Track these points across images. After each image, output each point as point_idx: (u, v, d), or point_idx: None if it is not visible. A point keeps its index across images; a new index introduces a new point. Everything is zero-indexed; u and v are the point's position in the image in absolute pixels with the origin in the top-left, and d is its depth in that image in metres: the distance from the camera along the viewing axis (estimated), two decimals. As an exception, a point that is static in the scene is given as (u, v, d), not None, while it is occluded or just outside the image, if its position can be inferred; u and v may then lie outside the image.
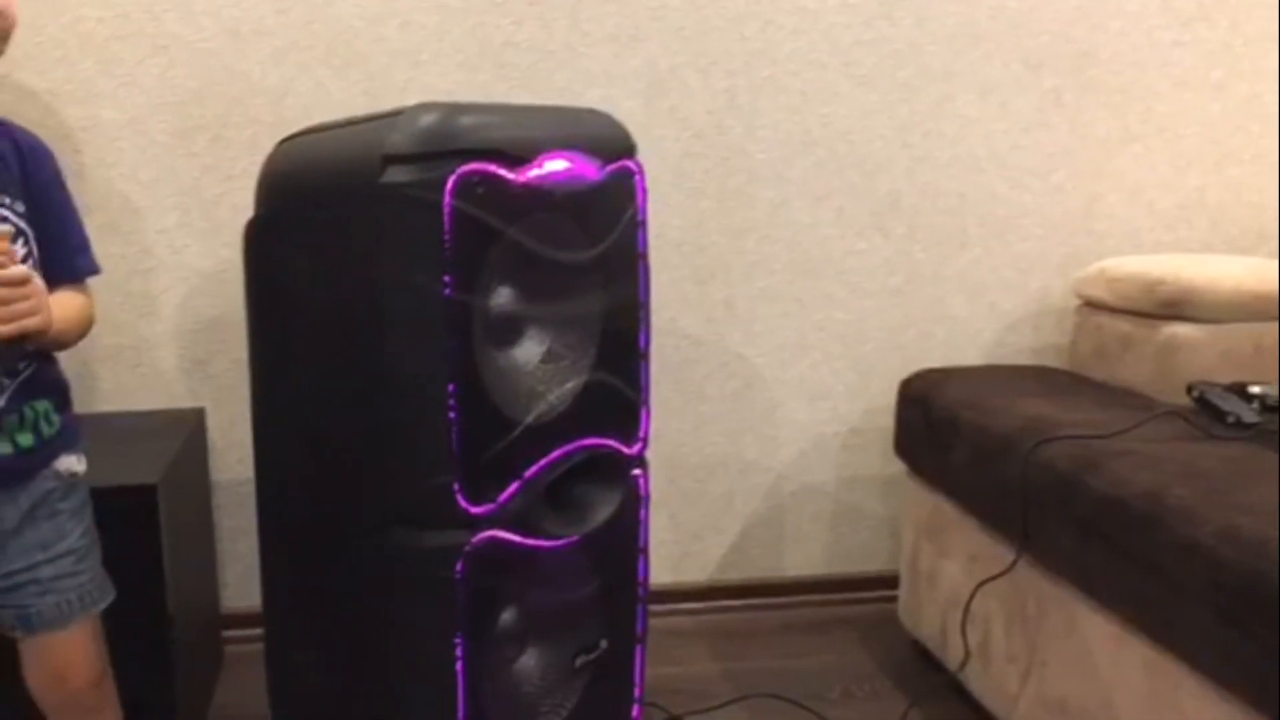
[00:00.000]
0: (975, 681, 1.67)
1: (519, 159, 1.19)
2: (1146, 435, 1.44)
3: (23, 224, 1.16)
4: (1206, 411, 1.50)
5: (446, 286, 1.15)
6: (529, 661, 1.35)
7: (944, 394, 1.79)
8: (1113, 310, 1.87)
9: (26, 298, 1.08)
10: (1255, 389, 1.50)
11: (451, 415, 1.17)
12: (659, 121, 1.99)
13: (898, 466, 1.95)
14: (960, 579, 1.71)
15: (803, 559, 2.21)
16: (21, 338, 1.09)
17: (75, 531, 1.23)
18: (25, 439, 1.18)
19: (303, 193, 1.30)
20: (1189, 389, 1.55)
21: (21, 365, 1.17)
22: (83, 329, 1.25)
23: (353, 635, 1.32)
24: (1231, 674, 1.13)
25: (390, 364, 1.19)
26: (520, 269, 1.22)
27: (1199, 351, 1.70)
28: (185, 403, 1.93)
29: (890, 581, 2.03)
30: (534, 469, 1.26)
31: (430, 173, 1.14)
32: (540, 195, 1.22)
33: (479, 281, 1.18)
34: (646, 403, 1.43)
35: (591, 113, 1.41)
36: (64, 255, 1.23)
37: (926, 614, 1.85)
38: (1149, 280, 1.77)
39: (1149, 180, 2.16)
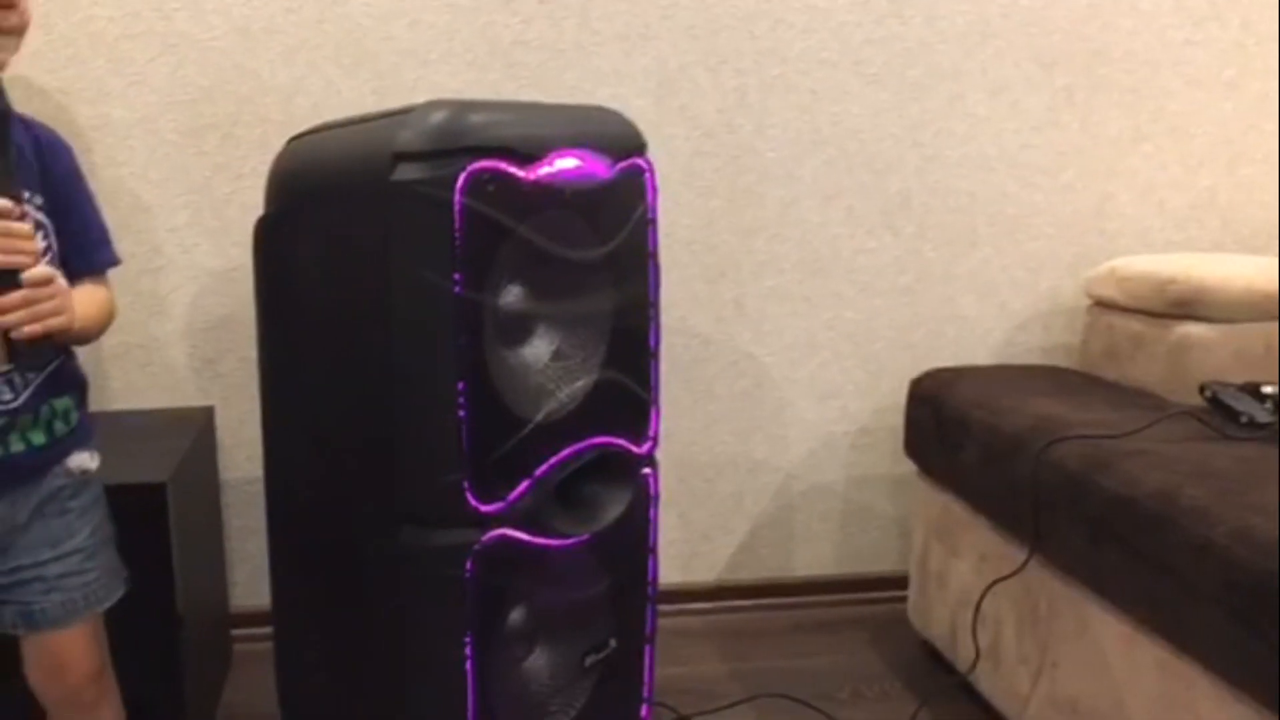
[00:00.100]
0: (985, 682, 1.67)
1: (530, 157, 1.19)
2: (1158, 435, 1.43)
3: (42, 216, 1.16)
4: (1219, 411, 1.49)
5: (457, 284, 1.15)
6: (538, 661, 1.35)
7: (954, 393, 1.78)
8: (1124, 310, 1.86)
9: (51, 297, 1.08)
10: (1268, 389, 1.49)
11: (461, 413, 1.17)
12: (669, 120, 1.99)
13: (908, 466, 1.95)
14: (971, 579, 1.70)
15: (812, 559, 2.21)
16: (46, 336, 1.09)
17: (83, 530, 1.23)
18: (38, 437, 1.18)
19: (313, 191, 1.30)
20: (1201, 389, 1.54)
21: (47, 362, 1.18)
22: (105, 323, 1.25)
23: (362, 634, 1.31)
24: (1245, 674, 1.12)
25: (400, 362, 1.18)
26: (530, 267, 1.22)
27: (1211, 351, 1.69)
28: (195, 401, 1.94)
29: (900, 582, 2.02)
30: (544, 467, 1.25)
31: (441, 170, 1.14)
32: (551, 193, 1.21)
33: (489, 279, 1.18)
34: (656, 401, 1.42)
35: (602, 111, 1.41)
36: (84, 248, 1.23)
37: (936, 614, 1.85)
38: (1160, 280, 1.77)
39: (1160, 179, 2.15)
